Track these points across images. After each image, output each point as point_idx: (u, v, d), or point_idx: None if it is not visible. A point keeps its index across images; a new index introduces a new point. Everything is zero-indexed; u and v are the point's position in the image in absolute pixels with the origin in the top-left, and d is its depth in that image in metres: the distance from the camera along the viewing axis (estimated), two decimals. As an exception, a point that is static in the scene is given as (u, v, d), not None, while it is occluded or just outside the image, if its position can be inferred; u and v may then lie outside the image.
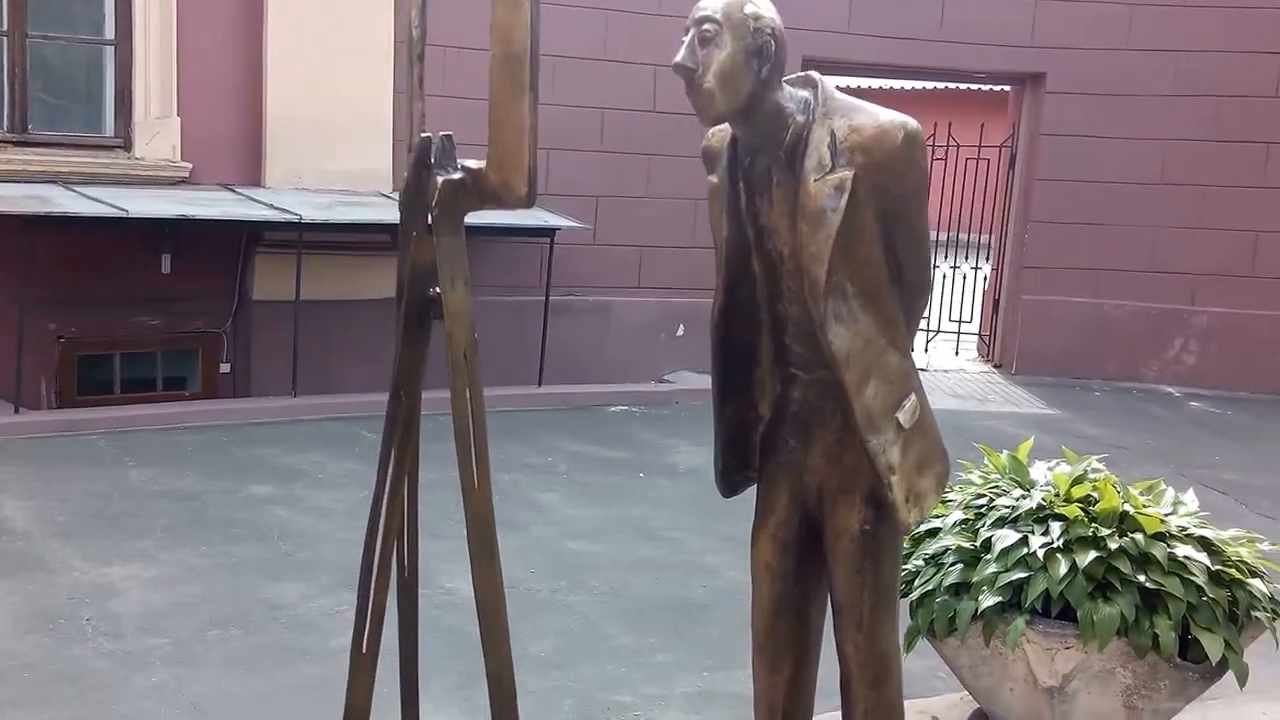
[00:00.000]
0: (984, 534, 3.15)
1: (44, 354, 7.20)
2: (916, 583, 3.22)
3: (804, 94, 2.30)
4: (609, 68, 8.66)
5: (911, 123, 2.24)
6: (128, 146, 7.42)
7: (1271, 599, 3.04)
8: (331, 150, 7.84)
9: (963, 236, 10.76)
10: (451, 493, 6.82)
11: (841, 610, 2.47)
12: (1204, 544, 3.05)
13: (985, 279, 10.75)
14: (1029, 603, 3.02)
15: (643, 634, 4.32)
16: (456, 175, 2.13)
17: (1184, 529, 3.09)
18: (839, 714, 2.63)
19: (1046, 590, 3.00)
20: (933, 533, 3.31)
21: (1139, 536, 3.03)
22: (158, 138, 7.42)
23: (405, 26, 2.24)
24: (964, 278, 10.77)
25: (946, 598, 3.13)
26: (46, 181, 6.98)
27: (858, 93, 2.49)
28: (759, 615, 2.58)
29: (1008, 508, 3.22)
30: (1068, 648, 3.01)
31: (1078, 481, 3.26)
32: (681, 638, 4.30)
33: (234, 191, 7.49)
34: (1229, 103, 9.22)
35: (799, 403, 2.47)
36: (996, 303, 10.22)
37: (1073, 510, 3.12)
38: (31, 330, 6.85)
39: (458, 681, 3.82)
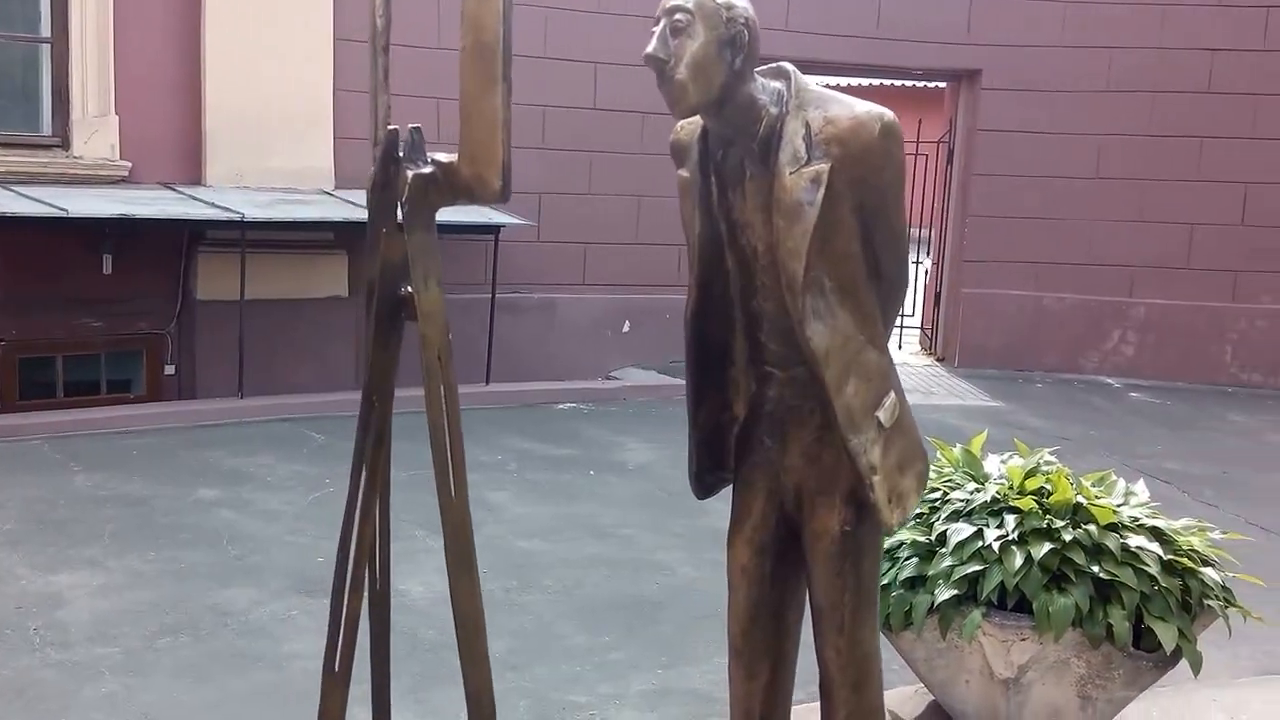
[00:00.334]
0: (939, 528, 3.19)
1: (-17, 357, 7.05)
2: (884, 579, 3.24)
3: (776, 85, 2.25)
4: (550, 65, 8.63)
5: (888, 114, 2.19)
6: (66, 145, 7.27)
7: (1223, 587, 3.10)
8: (272, 148, 7.74)
9: (918, 232, 10.88)
10: (401, 492, 6.76)
11: (822, 614, 2.42)
12: (1156, 534, 3.11)
13: (926, 273, 10.87)
14: (985, 595, 3.05)
15: (597, 632, 4.31)
16: (427, 169, 2.06)
17: (1136, 520, 3.15)
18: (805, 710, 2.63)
19: (1002, 583, 3.03)
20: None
21: (1092, 528, 3.07)
22: (96, 136, 7.27)
23: (369, 15, 2.14)
24: (926, 273, 10.88)
25: (902, 591, 3.16)
26: (-17, 182, 6.84)
27: None
28: (735, 620, 2.53)
29: (962, 501, 3.25)
30: (1023, 639, 3.05)
31: (1031, 474, 3.30)
32: (635, 635, 4.30)
33: (174, 190, 7.36)
34: (1163, 98, 9.41)
35: (775, 401, 2.41)
36: (938, 296, 10.35)
37: (1027, 503, 3.16)
38: (-31, 333, 6.72)
39: (411, 684, 3.79)
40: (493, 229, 7.98)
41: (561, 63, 8.66)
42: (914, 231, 10.60)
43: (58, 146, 7.26)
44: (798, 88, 2.23)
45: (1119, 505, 3.21)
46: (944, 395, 9.07)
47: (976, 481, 3.35)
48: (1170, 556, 3.06)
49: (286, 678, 3.86)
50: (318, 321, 7.95)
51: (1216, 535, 3.27)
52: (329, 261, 8.04)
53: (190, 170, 7.62)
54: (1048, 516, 3.13)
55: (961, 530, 3.14)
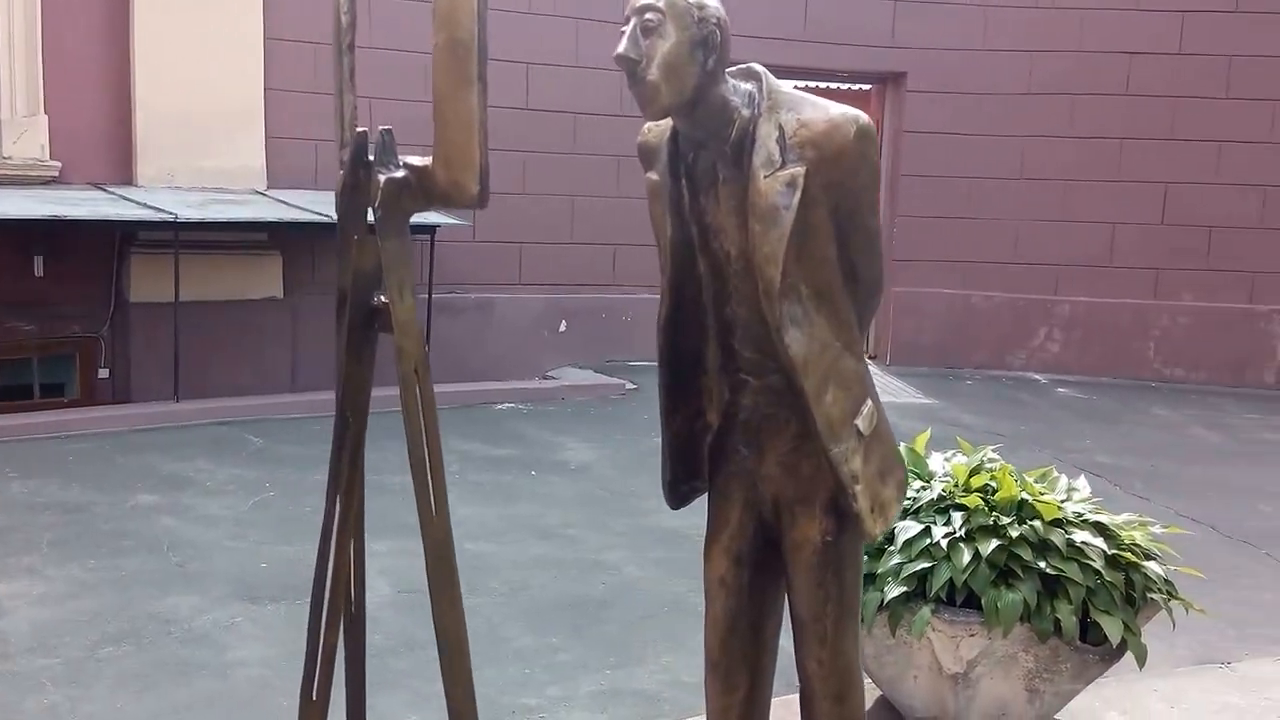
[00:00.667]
0: (889, 526, 3.24)
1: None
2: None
3: (747, 87, 2.20)
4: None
5: (863, 117, 2.15)
6: (-7, 145, 7.11)
7: (1166, 581, 3.19)
8: (204, 147, 7.62)
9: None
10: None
11: (804, 625, 2.37)
12: (1099, 529, 3.19)
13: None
14: (934, 592, 3.10)
15: (544, 634, 4.31)
16: (399, 173, 1.98)
17: (1080, 515, 3.23)
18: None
19: (951, 579, 3.09)
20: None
21: (1038, 524, 3.14)
22: (25, 136, 7.12)
23: (333, 13, 2.05)
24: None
25: (853, 589, 3.20)
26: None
27: None
28: (713, 633, 2.45)
29: (909, 499, 3.28)
30: (972, 635, 3.11)
31: (975, 471, 3.37)
32: (583, 636, 4.31)
33: (105, 191, 7.22)
34: (1083, 100, 9.64)
35: (750, 410, 2.35)
36: (871, 295, 10.48)
37: (973, 500, 3.22)
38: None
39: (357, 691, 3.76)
40: (428, 229, 7.93)
41: (493, 63, 8.58)
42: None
43: (-14, 147, 7.10)
44: (769, 89, 2.19)
45: (1062, 501, 3.29)
46: (879, 394, 9.18)
47: (922, 480, 3.40)
48: (1114, 551, 3.14)
49: (231, 686, 3.81)
50: (253, 323, 7.85)
51: (1157, 529, 3.36)
52: (263, 262, 7.94)
53: (121, 170, 7.48)
54: (994, 513, 3.19)
55: (909, 528, 3.19)
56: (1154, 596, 3.19)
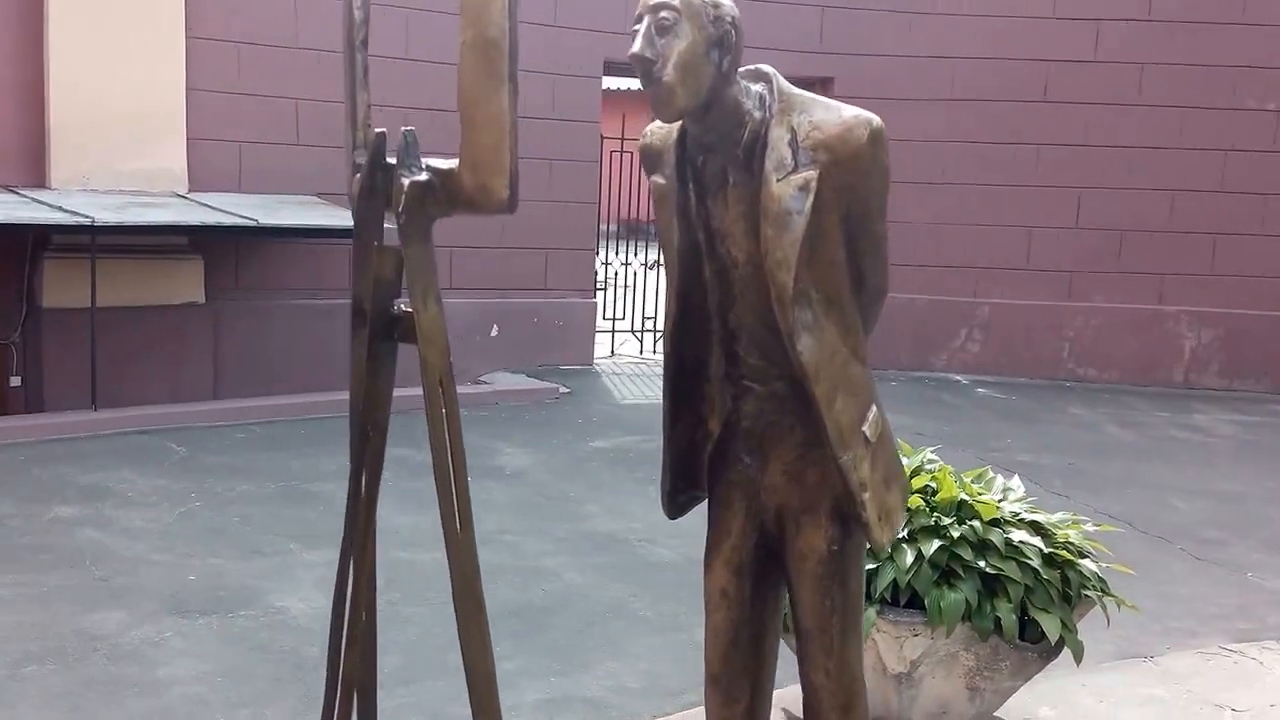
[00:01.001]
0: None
1: None
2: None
3: (757, 88, 2.16)
4: (412, 66, 8.52)
5: (876, 120, 2.12)
6: (-102, 146, 6.84)
7: (1099, 578, 3.28)
8: (122, 149, 7.42)
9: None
10: (270, 505, 6.60)
11: (809, 636, 2.33)
12: (1036, 528, 3.27)
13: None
14: (878, 593, 3.15)
15: (487, 642, 4.28)
16: (423, 177, 1.90)
17: (1016, 514, 3.30)
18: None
19: (894, 580, 3.14)
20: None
21: (977, 524, 3.21)
22: (-70, 136, 6.86)
23: (344, 10, 1.96)
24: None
25: (801, 592, 3.23)
26: None
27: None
28: (714, 645, 2.41)
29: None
30: (915, 635, 3.16)
31: (916, 472, 3.42)
32: (526, 644, 4.27)
33: (16, 193, 6.98)
34: (1002, 106, 9.85)
35: (753, 417, 2.30)
36: (798, 298, 10.59)
37: (915, 501, 3.27)
38: None
39: (296, 706, 3.70)
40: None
41: (423, 64, 8.55)
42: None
43: (-111, 146, 6.83)
44: (780, 91, 2.15)
45: (999, 501, 3.36)
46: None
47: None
48: (1050, 550, 3.21)
49: (165, 705, 3.71)
50: (173, 329, 7.67)
51: (1090, 527, 3.45)
52: (184, 267, 7.75)
53: (33, 172, 7.25)
54: (935, 514, 3.25)
55: (852, 530, 3.23)
56: (1089, 593, 3.27)
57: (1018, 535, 3.20)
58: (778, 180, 2.09)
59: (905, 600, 3.17)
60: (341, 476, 6.38)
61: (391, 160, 1.94)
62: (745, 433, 2.34)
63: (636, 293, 10.62)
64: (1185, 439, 8.32)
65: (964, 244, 9.98)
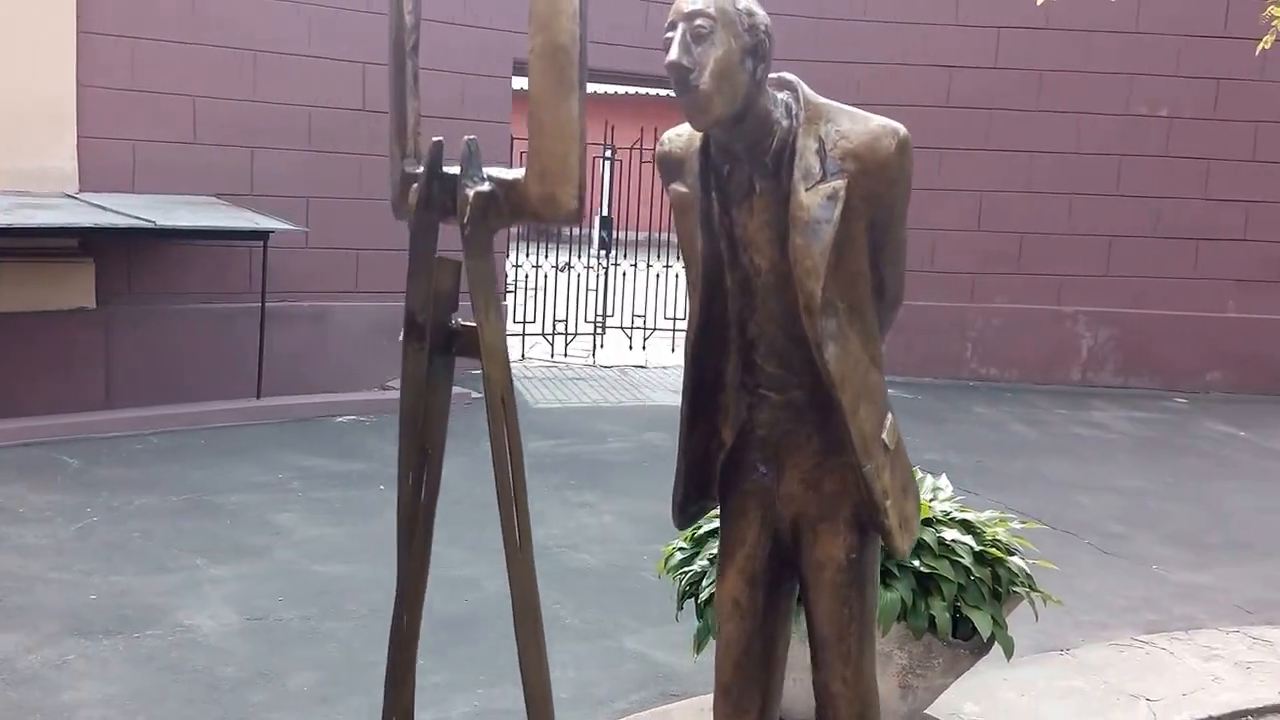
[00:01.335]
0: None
1: None
2: (705, 583, 3.28)
3: (783, 96, 2.17)
4: (314, 64, 8.33)
5: (902, 129, 2.14)
6: None
7: (1027, 574, 3.32)
8: (8, 148, 7.10)
9: (674, 237, 11.10)
10: (172, 519, 6.34)
11: (827, 645, 2.33)
12: (966, 526, 3.29)
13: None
14: (813, 595, 3.14)
15: (410, 655, 4.16)
16: (486, 187, 1.87)
17: (947, 513, 3.32)
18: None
19: (829, 581, 3.13)
20: (714, 533, 3.38)
21: (910, 524, 3.21)
22: None
23: (392, 14, 1.90)
24: (676, 277, 11.11)
25: (737, 596, 3.21)
26: None
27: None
28: (727, 655, 2.39)
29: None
30: (851, 634, 3.15)
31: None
32: (450, 656, 4.17)
33: (-106, 194, 6.62)
34: (904, 112, 9.76)
35: (768, 426, 2.30)
36: (707, 300, 10.60)
37: (846, 503, 3.27)
38: None
39: (212, 727, 3.56)
40: (261, 235, 7.60)
41: (327, 61, 8.37)
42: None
43: None
44: (806, 99, 2.16)
45: (930, 500, 3.38)
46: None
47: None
48: (981, 548, 3.24)
49: (70, 730, 3.53)
50: (63, 335, 7.35)
51: (1017, 525, 3.49)
52: (74, 270, 7.44)
53: (-89, 172, 6.89)
54: (868, 514, 3.25)
55: (787, 532, 3.22)
56: (1017, 590, 3.31)
57: (950, 534, 3.22)
58: (806, 189, 2.10)
59: (839, 601, 3.16)
60: (246, 488, 6.20)
61: (449, 170, 1.91)
62: (761, 442, 2.33)
63: (547, 295, 10.54)
64: (1086, 436, 8.55)
65: (870, 246, 10.10)
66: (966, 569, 3.17)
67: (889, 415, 2.28)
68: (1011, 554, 3.31)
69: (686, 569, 3.37)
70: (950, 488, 3.56)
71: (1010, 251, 10.20)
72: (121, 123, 7.55)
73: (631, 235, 12.05)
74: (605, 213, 15.31)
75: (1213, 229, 10.17)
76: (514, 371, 9.94)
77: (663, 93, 15.21)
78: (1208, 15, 9.94)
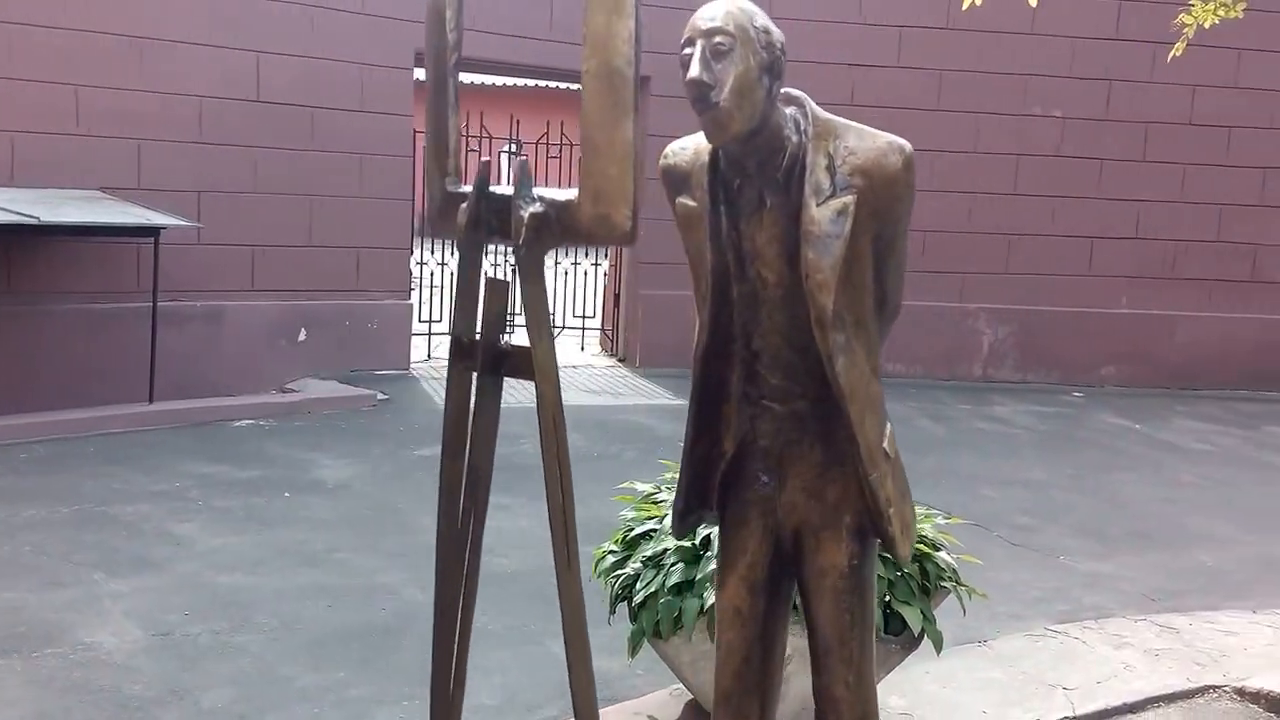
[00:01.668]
0: (702, 532, 3.21)
1: None
2: (639, 586, 3.23)
3: (791, 112, 2.21)
4: (208, 53, 8.05)
5: (907, 146, 2.20)
6: None
7: (953, 569, 3.34)
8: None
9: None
10: (65, 531, 6.05)
11: (829, 651, 2.36)
12: (896, 523, 3.28)
13: (605, 275, 11.08)
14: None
15: (328, 669, 4.00)
16: (539, 208, 1.86)
17: (877, 511, 3.31)
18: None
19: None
20: (649, 535, 3.33)
21: (841, 521, 3.20)
22: None
23: (430, 32, 1.89)
24: (585, 274, 11.06)
25: (670, 598, 3.17)
26: None
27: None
28: (728, 664, 2.42)
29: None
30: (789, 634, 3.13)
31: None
32: (372, 667, 4.05)
33: None
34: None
35: (771, 436, 2.34)
36: (617, 298, 10.57)
37: (778, 501, 3.24)
38: None
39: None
40: (151, 231, 7.31)
41: (221, 50, 8.10)
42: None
43: None
44: (814, 115, 2.20)
45: (859, 498, 3.37)
46: (632, 395, 9.27)
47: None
48: (910, 544, 3.24)
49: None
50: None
51: (942, 520, 3.51)
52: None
53: None
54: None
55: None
56: (944, 584, 3.33)
57: (880, 530, 3.20)
58: (817, 205, 2.14)
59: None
60: (145, 498, 5.94)
61: (497, 190, 1.91)
62: (763, 452, 2.36)
63: (451, 294, 10.36)
64: (989, 430, 8.71)
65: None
66: (896, 565, 3.16)
67: (888, 424, 2.35)
68: (938, 549, 3.33)
69: (619, 572, 3.31)
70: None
71: (914, 250, 10.31)
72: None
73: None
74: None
75: (1106, 227, 10.48)
76: (422, 372, 9.79)
77: (566, 86, 15.15)
78: (1100, 18, 10.23)
